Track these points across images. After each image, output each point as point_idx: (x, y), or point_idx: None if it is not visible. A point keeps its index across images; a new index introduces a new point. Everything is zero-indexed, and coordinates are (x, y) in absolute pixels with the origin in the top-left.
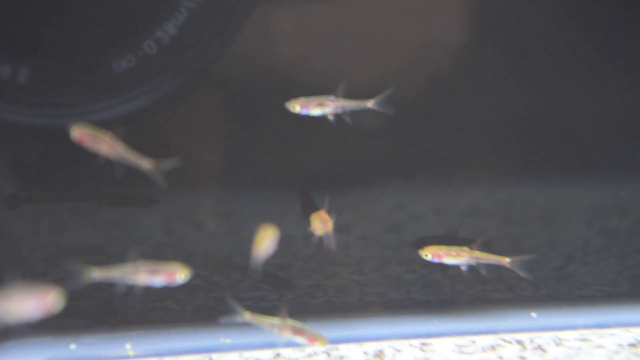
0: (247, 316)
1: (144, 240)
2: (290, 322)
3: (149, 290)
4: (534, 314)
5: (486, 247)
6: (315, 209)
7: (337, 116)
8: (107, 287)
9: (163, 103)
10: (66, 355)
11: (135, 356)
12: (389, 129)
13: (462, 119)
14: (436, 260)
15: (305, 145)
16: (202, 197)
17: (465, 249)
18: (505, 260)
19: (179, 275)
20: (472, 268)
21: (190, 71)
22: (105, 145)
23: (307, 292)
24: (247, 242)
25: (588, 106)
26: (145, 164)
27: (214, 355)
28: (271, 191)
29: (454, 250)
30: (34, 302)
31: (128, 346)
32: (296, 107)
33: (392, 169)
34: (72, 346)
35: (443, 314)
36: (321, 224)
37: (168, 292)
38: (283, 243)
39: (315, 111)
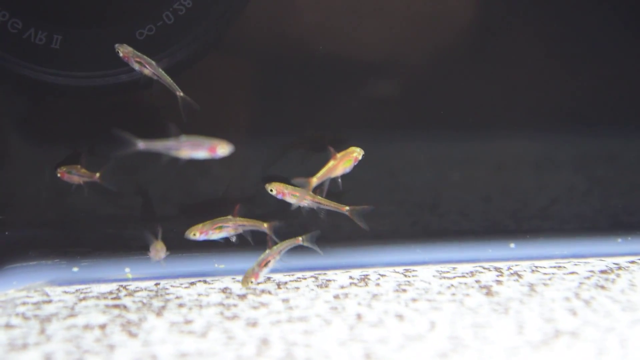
0: None
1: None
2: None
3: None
4: (512, 245)
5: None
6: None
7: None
8: (108, 219)
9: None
10: (69, 277)
11: (134, 279)
12: (388, 83)
13: (456, 73)
14: (279, 196)
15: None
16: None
17: (311, 193)
18: (345, 209)
19: (221, 148)
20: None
21: (205, 39)
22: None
23: (301, 227)
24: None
25: (583, 63)
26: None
27: (209, 279)
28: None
29: (298, 191)
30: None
31: (127, 270)
32: None
33: (389, 120)
34: (75, 269)
35: (427, 244)
36: (156, 251)
37: (168, 224)
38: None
39: None
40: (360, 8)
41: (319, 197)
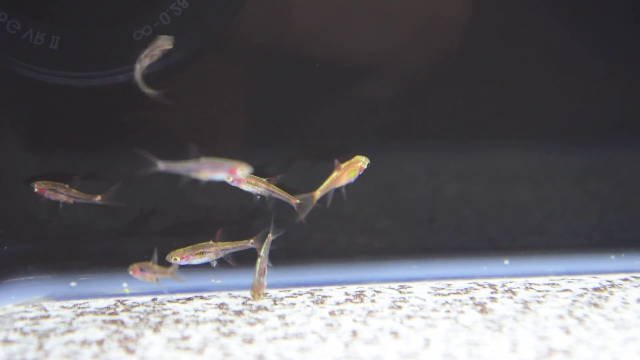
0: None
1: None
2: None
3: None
4: (506, 262)
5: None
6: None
7: None
8: (105, 234)
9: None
10: (67, 292)
11: (131, 294)
12: (385, 96)
13: (452, 88)
14: (235, 184)
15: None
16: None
17: (264, 180)
18: (294, 201)
19: (240, 170)
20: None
21: (200, 39)
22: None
23: (298, 242)
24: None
25: (578, 76)
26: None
27: (206, 294)
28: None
29: (253, 179)
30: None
31: (124, 285)
32: None
33: (386, 133)
34: (73, 284)
35: (423, 261)
36: (149, 273)
37: (166, 240)
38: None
39: None
40: (362, 15)
41: (272, 186)
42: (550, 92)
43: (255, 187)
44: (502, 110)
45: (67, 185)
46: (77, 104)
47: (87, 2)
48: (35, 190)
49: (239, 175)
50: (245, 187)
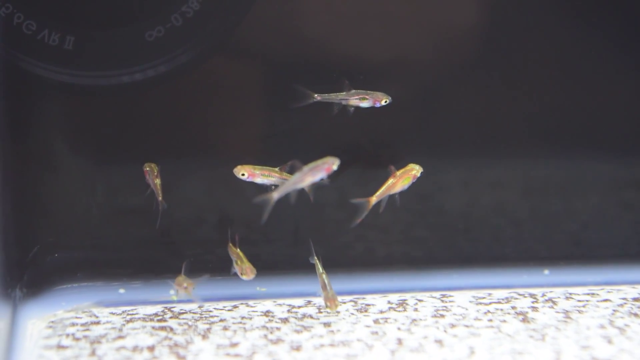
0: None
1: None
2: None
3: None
4: (546, 272)
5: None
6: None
7: None
8: (152, 242)
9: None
10: (115, 299)
11: (179, 301)
12: (418, 105)
13: (485, 97)
14: (250, 179)
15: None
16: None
17: (277, 170)
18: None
19: (334, 165)
20: None
21: (211, 41)
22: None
23: (338, 250)
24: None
25: (608, 85)
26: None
27: (251, 302)
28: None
29: (266, 170)
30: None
31: (172, 292)
32: None
33: (421, 143)
34: (121, 291)
35: (463, 270)
36: (179, 286)
37: (208, 247)
38: (316, 208)
39: None
40: (390, 21)
41: (284, 174)
42: (584, 101)
43: (269, 177)
44: (535, 120)
45: (156, 172)
46: (114, 105)
47: (101, 3)
48: (144, 169)
49: (334, 169)
50: (259, 180)
